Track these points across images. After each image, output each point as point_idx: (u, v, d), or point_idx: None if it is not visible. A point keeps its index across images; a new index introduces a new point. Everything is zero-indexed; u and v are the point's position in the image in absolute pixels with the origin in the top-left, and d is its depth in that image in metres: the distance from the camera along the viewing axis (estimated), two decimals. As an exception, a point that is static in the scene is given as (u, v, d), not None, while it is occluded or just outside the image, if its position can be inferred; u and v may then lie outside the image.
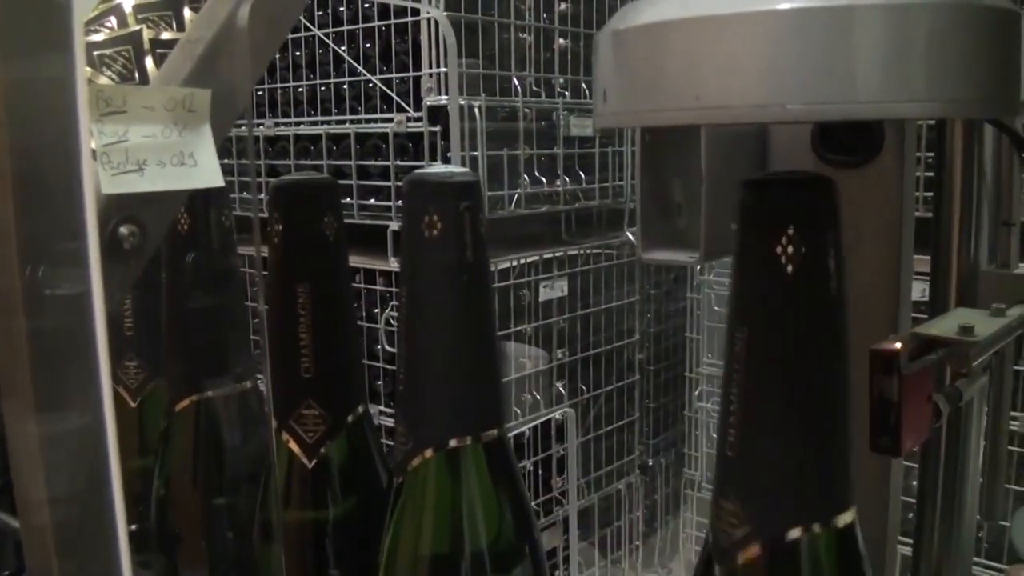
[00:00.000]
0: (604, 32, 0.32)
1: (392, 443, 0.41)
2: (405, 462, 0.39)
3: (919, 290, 0.45)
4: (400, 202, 1.31)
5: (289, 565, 0.45)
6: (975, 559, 1.15)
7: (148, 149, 0.35)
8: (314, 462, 0.44)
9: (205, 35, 0.37)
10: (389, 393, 1.40)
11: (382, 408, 1.39)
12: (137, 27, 0.45)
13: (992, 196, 0.46)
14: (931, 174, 0.46)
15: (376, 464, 0.47)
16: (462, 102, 1.30)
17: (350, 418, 0.45)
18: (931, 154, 0.46)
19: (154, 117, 0.35)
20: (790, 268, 0.29)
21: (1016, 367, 1.21)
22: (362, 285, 1.43)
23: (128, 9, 0.47)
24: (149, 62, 0.45)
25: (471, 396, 0.39)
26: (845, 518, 0.31)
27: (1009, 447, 1.23)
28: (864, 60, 0.27)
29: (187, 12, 0.46)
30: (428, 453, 0.39)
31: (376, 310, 1.42)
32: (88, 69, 0.44)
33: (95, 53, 0.45)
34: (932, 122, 0.48)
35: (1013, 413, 1.14)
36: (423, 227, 0.37)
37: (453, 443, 0.39)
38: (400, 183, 1.36)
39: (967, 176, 0.45)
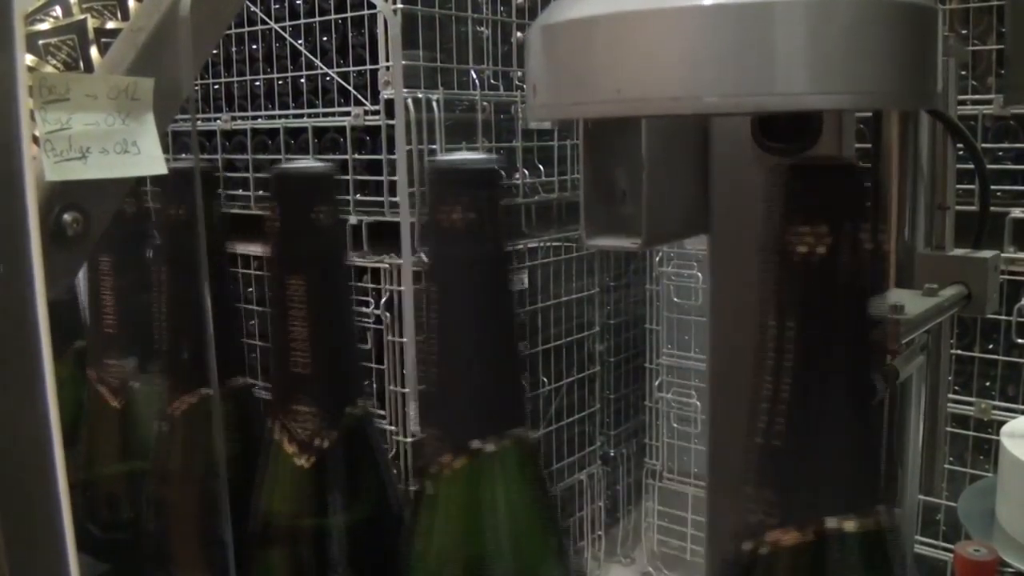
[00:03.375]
0: (534, 27, 0.32)
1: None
2: (438, 465, 0.38)
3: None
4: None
5: (285, 565, 0.44)
6: (932, 542, 1.17)
7: (91, 136, 0.35)
8: (311, 459, 0.42)
9: (148, 24, 0.38)
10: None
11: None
12: (82, 16, 0.45)
13: (928, 180, 0.47)
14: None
15: (377, 461, 0.46)
16: (420, 95, 1.30)
17: (348, 410, 0.44)
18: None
19: (97, 105, 0.35)
20: (840, 256, 0.29)
21: (972, 353, 1.22)
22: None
23: (73, -1, 0.47)
24: (94, 51, 0.45)
25: (504, 394, 0.38)
26: (883, 512, 0.31)
27: (964, 431, 1.24)
28: (779, 54, 0.28)
29: (131, 1, 0.46)
30: (462, 455, 0.37)
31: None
32: (33, 58, 0.44)
33: (40, 42, 0.45)
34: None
35: (968, 398, 1.16)
36: (452, 217, 0.36)
37: (490, 446, 0.37)
38: (358, 177, 1.36)
39: (903, 162, 0.46)
